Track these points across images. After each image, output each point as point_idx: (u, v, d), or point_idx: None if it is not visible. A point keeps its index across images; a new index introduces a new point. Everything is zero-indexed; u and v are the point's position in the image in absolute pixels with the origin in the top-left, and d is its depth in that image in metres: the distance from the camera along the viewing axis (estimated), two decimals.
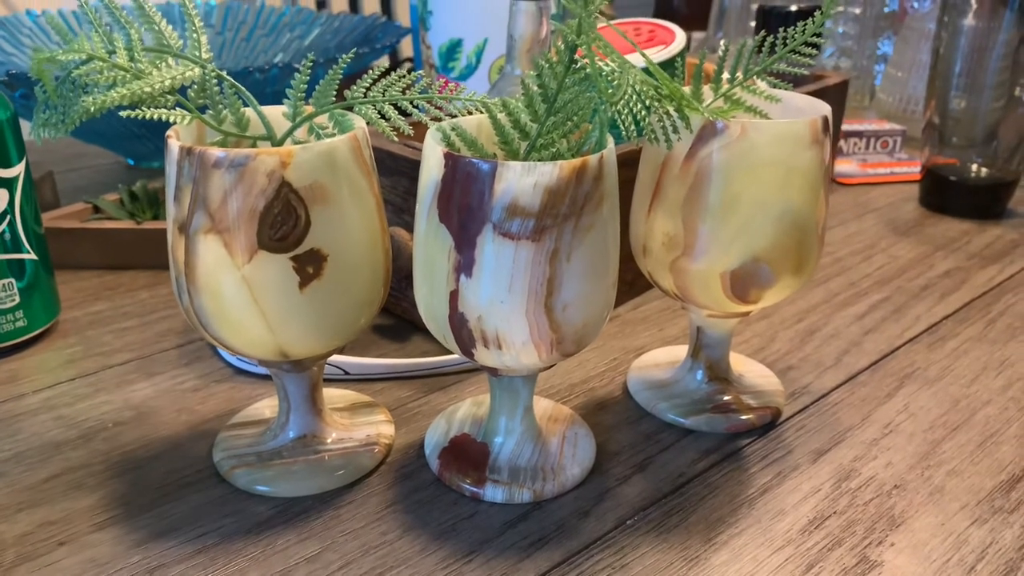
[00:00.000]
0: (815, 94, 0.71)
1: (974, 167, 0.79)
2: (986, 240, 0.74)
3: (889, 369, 0.53)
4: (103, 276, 0.63)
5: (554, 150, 0.38)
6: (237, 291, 0.35)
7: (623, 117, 0.34)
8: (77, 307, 0.58)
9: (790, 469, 0.44)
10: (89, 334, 0.55)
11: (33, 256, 0.52)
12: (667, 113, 0.38)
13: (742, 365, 0.51)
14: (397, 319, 0.57)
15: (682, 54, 0.60)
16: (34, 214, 0.52)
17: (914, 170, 0.90)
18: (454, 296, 0.36)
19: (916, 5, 1.10)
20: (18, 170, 0.50)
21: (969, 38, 0.77)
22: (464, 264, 0.35)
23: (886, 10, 1.14)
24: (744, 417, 0.46)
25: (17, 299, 0.51)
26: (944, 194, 0.80)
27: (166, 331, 0.55)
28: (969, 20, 0.76)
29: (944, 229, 0.76)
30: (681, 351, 0.52)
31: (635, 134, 0.35)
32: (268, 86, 0.74)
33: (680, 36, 0.60)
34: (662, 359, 0.52)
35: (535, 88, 0.37)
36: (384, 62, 1.50)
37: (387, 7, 1.78)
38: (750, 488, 0.42)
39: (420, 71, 0.86)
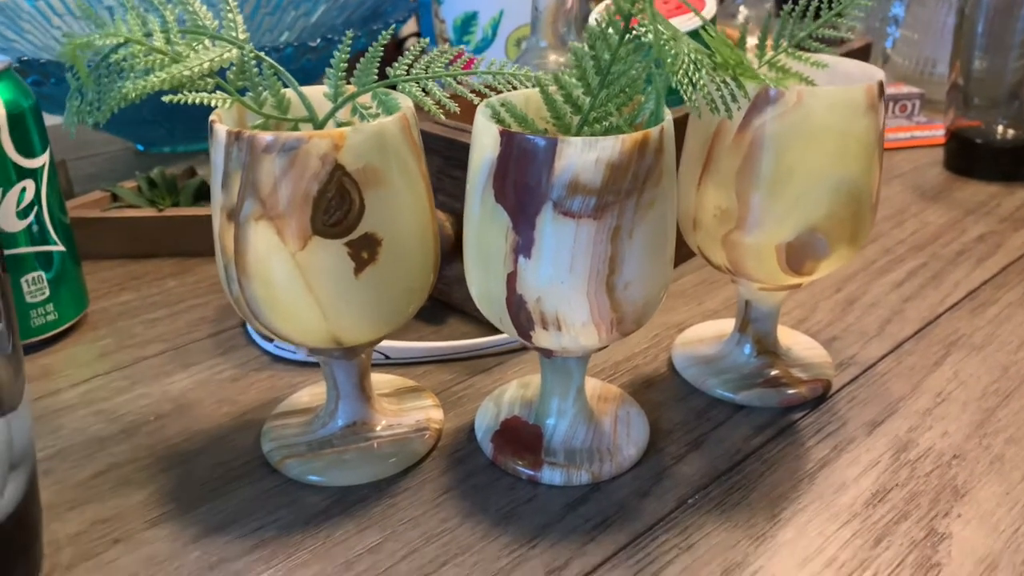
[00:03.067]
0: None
1: (999, 129, 0.78)
2: (1016, 203, 0.73)
3: (934, 337, 0.52)
4: (127, 265, 0.62)
5: (607, 124, 0.36)
6: (290, 278, 0.34)
7: (684, 86, 0.33)
8: (104, 298, 0.57)
9: (846, 442, 0.43)
10: (119, 325, 0.54)
11: (61, 248, 0.51)
12: (724, 82, 0.37)
13: (788, 338, 0.50)
14: (432, 300, 0.56)
15: (712, 21, 0.58)
16: (59, 204, 0.51)
17: (935, 134, 0.89)
18: (512, 278, 0.35)
19: None
20: (43, 160, 0.49)
21: None
22: (523, 245, 0.34)
23: None
24: (795, 391, 0.46)
25: (47, 292, 0.50)
26: (970, 157, 0.79)
27: (197, 320, 0.54)
28: None
29: (972, 193, 0.75)
30: (724, 325, 0.51)
31: (696, 104, 0.34)
32: (283, 66, 0.73)
33: (711, 3, 0.58)
34: (706, 334, 0.51)
35: (588, 60, 0.36)
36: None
37: None
38: (808, 463, 0.42)
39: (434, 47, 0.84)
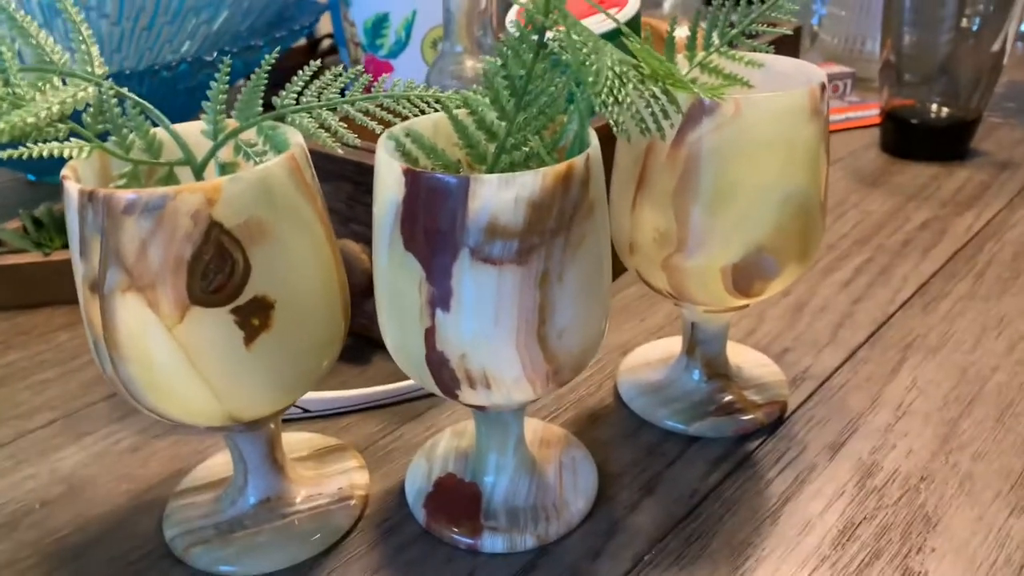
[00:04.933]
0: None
1: (934, 107, 0.76)
2: (956, 184, 0.71)
3: (888, 340, 0.50)
4: (12, 318, 0.56)
5: (527, 150, 0.32)
6: (170, 356, 0.29)
7: (609, 108, 0.29)
8: None
9: (807, 471, 0.40)
10: (2, 392, 0.48)
11: None
12: (654, 96, 0.33)
13: (738, 355, 0.47)
14: (354, 337, 0.51)
15: (637, 18, 0.55)
16: None
17: (870, 113, 0.87)
18: (430, 334, 0.31)
19: None
20: None
21: None
22: (439, 297, 0.30)
23: None
24: (750, 417, 0.42)
25: None
26: (906, 138, 0.77)
27: (92, 379, 0.49)
28: None
29: (912, 176, 0.73)
30: (671, 344, 0.48)
31: (624, 125, 0.30)
32: (179, 83, 0.67)
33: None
34: (652, 356, 0.47)
35: (501, 79, 0.31)
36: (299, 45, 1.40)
37: None
38: (770, 499, 0.38)
39: (346, 60, 0.79)
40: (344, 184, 0.47)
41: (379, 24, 0.73)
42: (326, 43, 1.09)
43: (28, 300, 0.56)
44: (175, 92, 0.67)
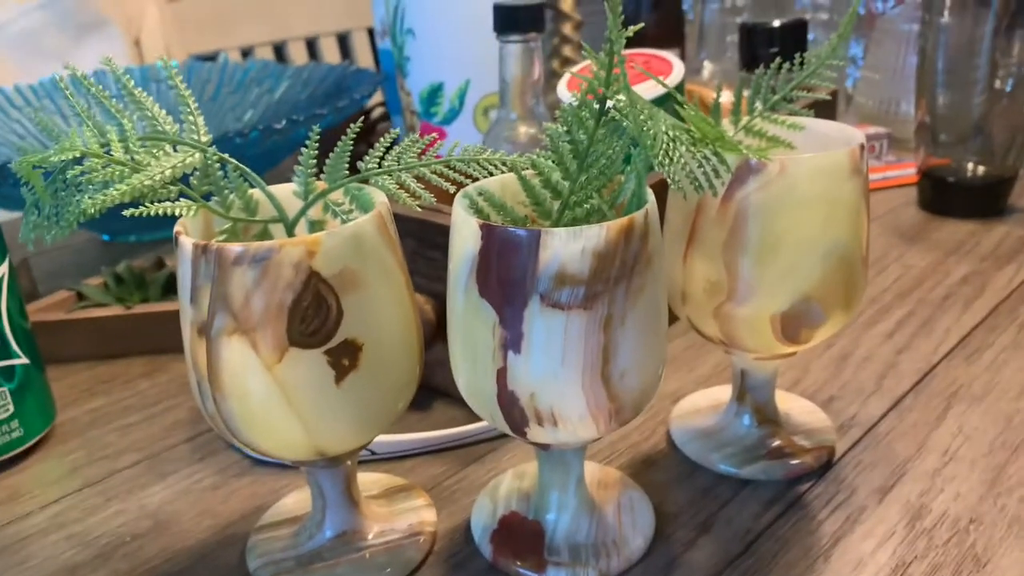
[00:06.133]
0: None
1: (970, 166, 0.79)
2: (995, 239, 0.73)
3: (933, 390, 0.51)
4: (95, 368, 0.59)
5: (588, 207, 0.35)
6: (268, 393, 0.32)
7: (666, 167, 0.32)
8: (73, 406, 0.55)
9: (858, 512, 0.41)
10: (90, 435, 0.51)
11: (24, 360, 0.48)
12: (705, 157, 0.36)
13: (785, 402, 0.49)
14: None
15: (681, 85, 0.58)
16: (20, 311, 0.49)
17: (906, 172, 0.89)
18: (502, 374, 0.33)
19: (880, 6, 1.11)
20: (2, 271, 0.47)
21: (950, 33, 0.76)
22: (511, 340, 0.33)
23: None
24: (800, 460, 0.44)
25: (11, 408, 0.48)
26: (944, 196, 0.79)
27: (173, 424, 0.52)
28: (947, 17, 0.76)
29: (950, 232, 0.75)
30: (719, 393, 0.50)
31: (680, 185, 0.33)
32: (248, 150, 0.71)
33: (678, 67, 0.58)
34: (702, 404, 0.49)
35: (564, 143, 0.35)
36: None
37: (346, 52, 1.75)
38: (822, 538, 0.40)
39: (400, 126, 0.84)
40: (408, 240, 0.51)
41: (434, 93, 0.78)
42: (377, 111, 1.15)
43: (109, 351, 0.60)
44: (246, 159, 0.72)
